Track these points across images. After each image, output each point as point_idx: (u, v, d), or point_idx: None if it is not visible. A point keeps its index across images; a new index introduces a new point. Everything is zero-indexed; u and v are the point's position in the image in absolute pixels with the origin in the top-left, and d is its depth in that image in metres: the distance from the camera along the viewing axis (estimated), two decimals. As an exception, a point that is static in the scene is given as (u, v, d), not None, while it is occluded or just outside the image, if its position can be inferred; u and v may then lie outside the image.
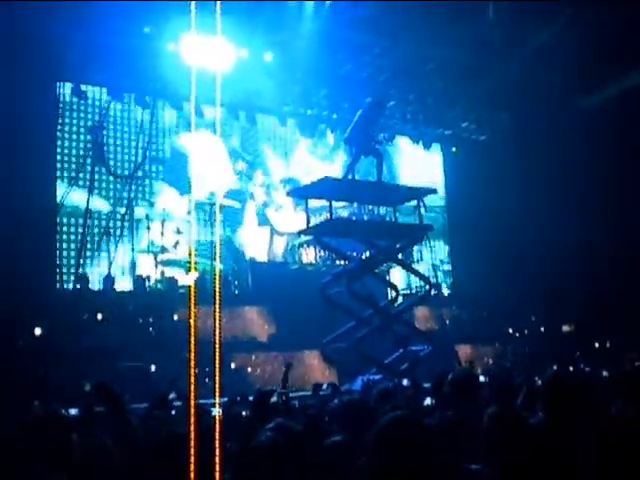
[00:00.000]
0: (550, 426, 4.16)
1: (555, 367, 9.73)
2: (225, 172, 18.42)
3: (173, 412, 6.50)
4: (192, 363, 3.07)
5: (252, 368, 13.52)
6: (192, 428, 2.87)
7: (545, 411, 4.33)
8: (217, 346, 3.24)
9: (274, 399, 3.58)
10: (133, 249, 16.08)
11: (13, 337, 11.49)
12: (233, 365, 12.96)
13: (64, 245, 15.90)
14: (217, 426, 2.95)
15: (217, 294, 3.66)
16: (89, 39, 15.39)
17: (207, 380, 8.60)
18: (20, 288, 12.53)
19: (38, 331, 11.64)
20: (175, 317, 13.52)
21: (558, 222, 17.38)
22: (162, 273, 16.12)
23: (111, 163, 16.76)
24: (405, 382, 8.77)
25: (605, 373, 9.17)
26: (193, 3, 4.38)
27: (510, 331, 17.36)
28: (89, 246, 15.95)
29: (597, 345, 16.22)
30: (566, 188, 17.81)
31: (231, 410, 6.00)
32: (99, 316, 12.93)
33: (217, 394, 3.23)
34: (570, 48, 16.01)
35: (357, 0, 15.22)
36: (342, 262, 14.61)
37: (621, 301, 16.05)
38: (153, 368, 12.04)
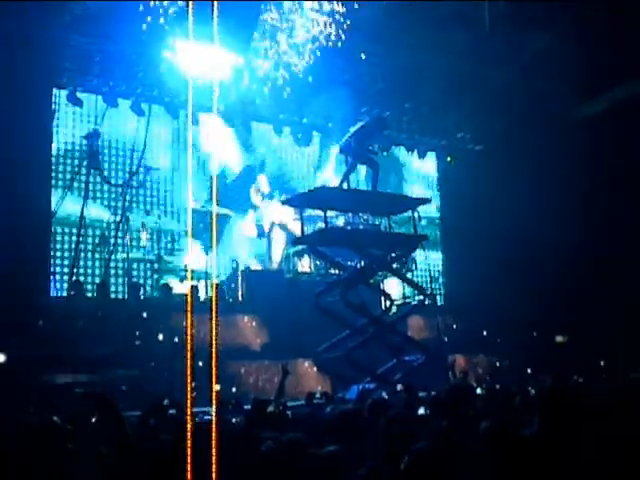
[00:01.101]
0: (545, 437, 4.16)
1: (550, 378, 9.73)
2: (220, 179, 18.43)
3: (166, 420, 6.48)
4: (189, 372, 3.07)
5: (245, 377, 13.50)
6: (188, 436, 2.86)
7: (540, 422, 4.33)
8: (213, 355, 3.23)
9: (271, 408, 3.56)
10: (128, 257, 16.03)
11: (4, 344, 11.43)
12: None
13: (58, 252, 15.87)
14: (213, 435, 2.94)
15: (213, 303, 3.65)
16: (86, 46, 15.43)
17: (194, 393, 8.61)
18: (13, 294, 12.49)
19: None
20: (169, 326, 13.46)
21: (554, 233, 17.38)
22: (156, 281, 16.09)
23: (106, 171, 16.73)
24: (399, 387, 8.77)
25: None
26: (190, 10, 4.40)
27: (504, 341, 17.34)
28: (83, 254, 15.93)
29: (591, 356, 16.18)
30: (563, 199, 17.80)
31: (223, 418, 5.99)
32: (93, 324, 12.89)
33: (213, 402, 3.22)
34: (567, 56, 16.06)
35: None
36: (336, 271, 14.61)
37: (618, 312, 16.02)
38: (146, 376, 12.00)
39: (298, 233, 13.73)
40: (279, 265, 18.04)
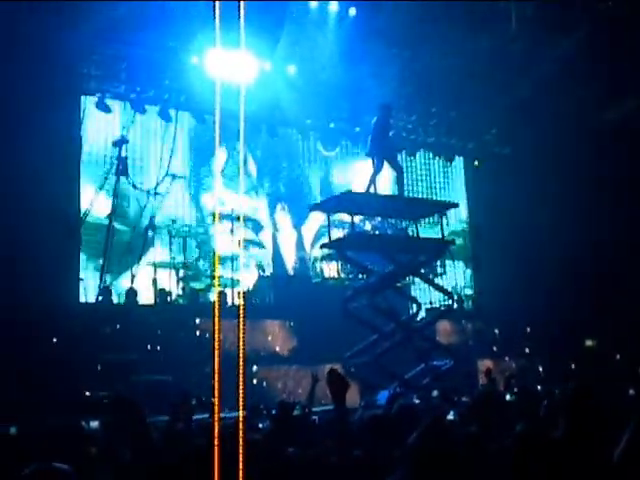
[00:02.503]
0: (571, 440, 4.10)
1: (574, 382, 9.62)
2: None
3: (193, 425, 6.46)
4: (216, 377, 3.03)
5: (272, 382, 13.49)
6: (215, 442, 2.83)
7: (567, 425, 4.26)
8: (241, 360, 3.20)
9: (297, 412, 3.53)
10: (155, 264, 16.07)
11: (33, 350, 11.48)
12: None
13: (87, 258, 15.94)
14: (240, 440, 2.90)
15: (241, 307, 3.62)
16: (114, 53, 15.55)
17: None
18: (42, 300, 12.57)
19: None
20: (197, 331, 13.49)
21: (585, 237, 17.22)
22: (183, 289, 16.10)
23: (134, 177, 16.79)
24: (435, 393, 8.71)
25: (631, 391, 9.06)
26: (217, 17, 4.39)
27: (532, 346, 17.18)
28: (112, 259, 15.97)
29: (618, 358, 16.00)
30: (593, 201, 17.61)
31: (250, 422, 5.97)
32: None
33: (240, 408, 3.19)
34: (596, 59, 15.93)
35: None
36: (364, 276, 14.56)
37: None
38: (175, 382, 12.01)
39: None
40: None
